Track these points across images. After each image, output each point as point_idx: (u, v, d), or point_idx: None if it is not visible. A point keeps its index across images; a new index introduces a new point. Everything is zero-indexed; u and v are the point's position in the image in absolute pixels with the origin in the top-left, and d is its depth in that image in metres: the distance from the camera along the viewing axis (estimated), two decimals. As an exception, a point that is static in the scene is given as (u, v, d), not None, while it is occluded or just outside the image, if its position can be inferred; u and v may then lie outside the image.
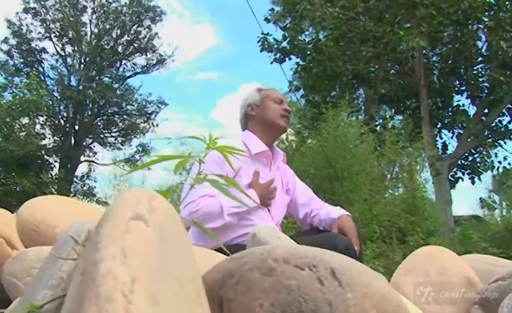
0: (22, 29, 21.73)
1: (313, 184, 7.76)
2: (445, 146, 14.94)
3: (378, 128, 14.87)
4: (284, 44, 14.10)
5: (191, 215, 2.27)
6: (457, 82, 13.87)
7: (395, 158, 9.12)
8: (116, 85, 23.32)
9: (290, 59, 14.70)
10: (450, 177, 14.26)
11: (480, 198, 14.59)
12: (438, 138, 14.83)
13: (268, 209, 2.55)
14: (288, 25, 13.99)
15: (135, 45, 23.48)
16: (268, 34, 14.19)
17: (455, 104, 14.10)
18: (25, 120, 18.08)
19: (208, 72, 41.33)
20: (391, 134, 13.56)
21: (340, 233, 2.39)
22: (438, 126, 14.43)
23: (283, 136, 9.37)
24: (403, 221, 6.98)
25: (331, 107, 9.38)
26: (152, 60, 24.05)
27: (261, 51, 14.16)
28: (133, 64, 23.98)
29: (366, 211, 7.30)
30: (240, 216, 2.37)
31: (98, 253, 0.56)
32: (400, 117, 15.59)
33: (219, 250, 1.42)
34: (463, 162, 14.34)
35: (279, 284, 0.74)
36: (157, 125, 23.25)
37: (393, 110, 15.40)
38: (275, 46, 14.27)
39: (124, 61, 23.75)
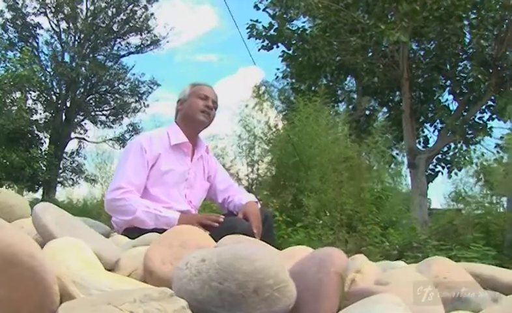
0: (17, 3, 21.65)
1: (280, 172, 8.02)
2: (426, 140, 15.15)
3: (361, 119, 15.12)
4: (272, 31, 14.19)
5: (113, 201, 2.62)
6: (441, 78, 13.98)
7: (366, 148, 9.33)
8: (109, 64, 23.34)
9: (277, 46, 14.80)
10: (430, 171, 14.48)
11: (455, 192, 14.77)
12: (420, 132, 15.04)
13: (185, 196, 2.84)
14: (277, 13, 14.07)
15: (131, 24, 23.44)
16: (257, 21, 14.27)
17: (438, 99, 14.22)
18: (17, 94, 18.16)
19: (207, 54, 41.33)
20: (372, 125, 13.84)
21: (243, 218, 2.65)
22: (421, 120, 14.59)
23: (272, 123, 9.65)
24: (366, 211, 7.17)
25: (312, 96, 9.60)
26: (147, 40, 24.05)
27: (249, 38, 14.24)
28: (128, 43, 23.98)
29: (331, 199, 7.50)
30: (156, 218, 2.61)
31: None
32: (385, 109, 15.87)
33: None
34: (443, 156, 14.51)
35: None
36: (147, 105, 23.35)
37: (377, 102, 15.58)
38: (263, 34, 14.36)
39: (118, 40, 23.73)
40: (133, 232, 2.48)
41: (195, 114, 2.88)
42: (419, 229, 7.82)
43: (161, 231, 2.33)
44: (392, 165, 19.31)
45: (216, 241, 2.24)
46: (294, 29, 14.08)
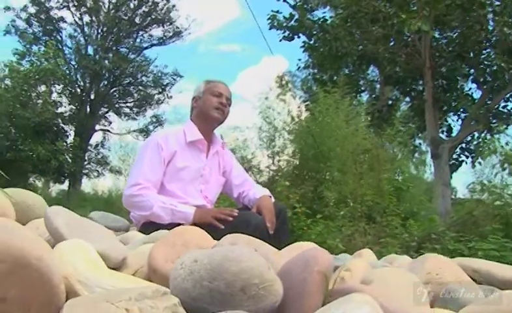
0: (41, -2, 21.92)
1: (301, 163, 8.06)
2: (450, 129, 15.02)
3: (383, 108, 15.05)
4: (293, 22, 14.19)
5: (130, 197, 2.73)
6: (465, 66, 13.84)
7: (387, 138, 9.33)
8: (132, 56, 23.55)
9: (298, 37, 14.80)
10: (454, 160, 14.38)
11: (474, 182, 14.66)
12: (443, 121, 14.91)
13: (201, 191, 2.95)
14: (297, 4, 14.06)
15: (153, 16, 23.60)
16: (278, 11, 14.27)
17: (461, 87, 14.09)
18: (42, 88, 18.45)
19: (230, 44, 41.41)
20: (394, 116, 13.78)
21: (257, 212, 2.73)
22: (444, 109, 14.45)
23: (294, 113, 9.70)
24: (386, 202, 7.19)
25: (332, 87, 9.62)
26: (169, 32, 24.19)
27: (270, 29, 14.27)
28: (150, 35, 24.16)
29: (352, 191, 7.54)
30: (172, 212, 2.71)
31: None
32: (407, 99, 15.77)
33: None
34: (467, 145, 14.39)
35: None
36: (171, 97, 23.55)
37: (399, 92, 15.49)
38: (284, 24, 14.36)
39: (141, 32, 23.91)
40: (149, 227, 2.59)
41: (209, 111, 2.97)
42: (440, 220, 7.83)
43: (177, 225, 2.45)
44: (416, 155, 19.26)
45: (231, 233, 2.35)
46: (314, 19, 14.05)
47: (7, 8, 21.69)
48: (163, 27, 24.01)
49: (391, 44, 13.71)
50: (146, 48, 24.12)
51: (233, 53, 38.52)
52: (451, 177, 14.75)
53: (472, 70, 13.59)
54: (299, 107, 14.09)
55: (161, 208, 2.67)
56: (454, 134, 14.41)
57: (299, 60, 16.58)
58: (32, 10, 21.93)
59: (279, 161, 8.18)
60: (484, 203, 6.83)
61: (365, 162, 7.20)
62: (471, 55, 13.24)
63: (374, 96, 16.43)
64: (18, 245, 0.77)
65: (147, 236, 1.77)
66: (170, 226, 2.43)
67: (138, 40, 24.00)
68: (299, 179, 7.80)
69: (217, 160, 3.12)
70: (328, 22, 13.55)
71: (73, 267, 0.93)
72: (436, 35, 13.44)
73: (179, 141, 2.89)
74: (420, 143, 17.33)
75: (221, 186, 3.17)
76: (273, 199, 3.01)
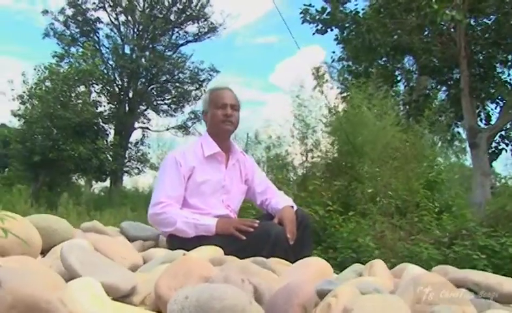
0: (78, 0, 22.39)
1: (334, 158, 8.10)
2: (488, 117, 14.78)
3: (420, 99, 14.92)
4: (325, 15, 14.15)
5: (155, 215, 2.88)
6: (502, 53, 13.59)
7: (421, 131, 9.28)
8: (169, 53, 23.82)
9: (331, 30, 14.76)
10: (494, 148, 14.17)
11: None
12: (481, 109, 14.69)
13: (223, 201, 3.08)
14: (330, -4, 14.03)
15: (187, 13, 23.80)
16: (310, 5, 14.25)
17: (498, 75, 13.84)
18: (82, 88, 18.85)
19: (267, 36, 41.44)
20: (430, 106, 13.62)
21: (279, 223, 2.83)
22: (482, 97, 14.23)
23: (331, 105, 9.76)
24: (418, 197, 7.18)
25: (365, 80, 9.62)
26: (204, 28, 24.36)
27: (302, 23, 14.27)
28: (186, 32, 24.37)
29: (384, 186, 7.55)
30: (196, 227, 2.85)
31: None
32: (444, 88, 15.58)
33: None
34: (507, 133, 14.16)
35: None
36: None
37: (435, 81, 15.33)
38: (317, 18, 14.34)
39: (176, 29, 24.14)
40: (175, 239, 2.75)
41: (218, 126, 3.08)
42: (478, 211, 7.77)
43: (202, 237, 2.59)
44: (456, 143, 18.98)
45: (252, 244, 2.47)
46: (347, 11, 13.98)
47: (45, 12, 22.30)
48: (198, 23, 24.17)
49: (426, 33, 13.54)
50: (182, 45, 24.41)
51: (270, 44, 38.57)
52: (491, 166, 14.56)
53: (510, 57, 13.33)
54: (336, 98, 14.13)
55: (184, 224, 2.81)
56: (493, 122, 14.19)
57: (333, 52, 16.58)
58: (69, 12, 22.49)
59: (312, 158, 8.22)
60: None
61: (396, 158, 7.17)
62: (508, 41, 12.98)
63: (410, 86, 16.30)
64: (29, 292, 0.90)
65: (165, 255, 1.91)
66: (196, 239, 2.59)
67: (174, 37, 24.26)
68: (333, 175, 7.84)
69: (239, 168, 3.22)
70: (360, 14, 13.47)
71: (80, 305, 1.06)
72: (472, 23, 13.21)
73: (197, 155, 3.01)
74: (459, 132, 17.05)
75: (244, 194, 3.28)
76: (295, 208, 3.09)
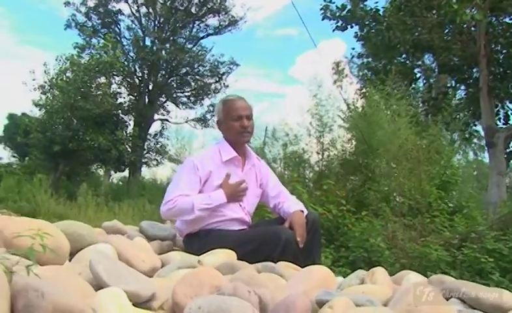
0: (100, -8, 22.62)
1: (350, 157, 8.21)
2: (507, 117, 14.74)
3: (439, 96, 14.91)
4: (345, 12, 14.20)
5: (168, 211, 3.04)
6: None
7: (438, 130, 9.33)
8: (189, 46, 23.98)
9: (351, 27, 14.81)
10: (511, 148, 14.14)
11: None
12: (500, 109, 14.66)
13: (240, 204, 3.27)
14: (350, -6, 14.07)
15: (208, 6, 23.91)
16: (330, 1, 14.30)
17: (516, 74, 13.77)
18: (102, 80, 19.10)
19: (287, 28, 41.44)
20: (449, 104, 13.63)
21: (289, 227, 2.99)
22: (500, 96, 14.19)
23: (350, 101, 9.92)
24: (431, 198, 7.26)
25: (384, 79, 9.71)
26: (225, 21, 24.46)
27: (322, 19, 14.33)
28: (206, 25, 24.49)
29: (399, 186, 7.65)
30: (212, 210, 3.07)
31: None
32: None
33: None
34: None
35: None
36: (227, 86, 23.90)
37: (454, 79, 15.32)
38: (337, 14, 14.39)
39: (197, 22, 24.26)
40: (193, 239, 2.94)
41: (235, 137, 3.27)
42: (488, 212, 7.82)
43: (217, 242, 2.77)
44: (475, 140, 18.92)
45: (263, 246, 2.64)
46: (367, 9, 14.02)
47: (67, 3, 22.55)
48: (219, 16, 24.29)
49: (446, 31, 13.52)
50: (202, 38, 24.55)
51: (290, 37, 38.63)
52: (508, 166, 14.52)
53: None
54: (355, 93, 14.19)
55: (201, 211, 3.04)
56: (511, 122, 14.18)
57: (353, 49, 16.64)
58: (91, 3, 22.79)
59: (328, 156, 8.34)
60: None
61: (408, 160, 7.27)
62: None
63: (429, 84, 16.30)
64: (66, 302, 1.08)
65: (181, 259, 2.10)
66: (213, 242, 2.76)
67: (194, 30, 24.40)
68: (348, 173, 7.96)
69: (254, 172, 3.40)
70: (381, 12, 13.50)
71: (106, 311, 1.23)
72: (493, 21, 13.16)
73: (215, 161, 3.19)
74: (477, 131, 16.99)
75: (258, 197, 3.46)
76: (306, 212, 3.24)
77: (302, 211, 3.23)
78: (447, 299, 1.88)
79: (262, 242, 2.85)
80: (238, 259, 2.55)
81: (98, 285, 1.49)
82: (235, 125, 3.23)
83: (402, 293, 1.65)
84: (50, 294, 1.08)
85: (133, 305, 1.38)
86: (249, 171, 3.35)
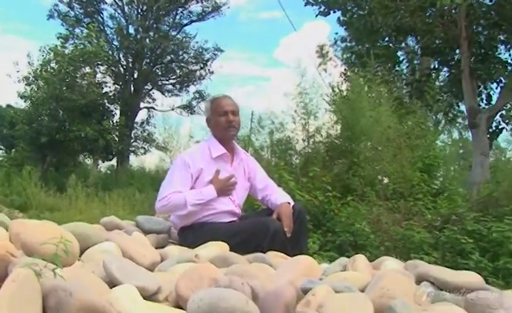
0: (81, -20, 22.46)
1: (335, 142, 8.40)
2: (489, 97, 15.01)
3: (422, 79, 15.14)
4: (327, -3, 14.35)
5: (163, 208, 3.28)
6: (502, 35, 13.75)
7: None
8: (173, 33, 23.94)
9: (334, 12, 14.98)
10: (494, 128, 14.43)
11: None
12: (482, 89, 14.91)
13: (230, 198, 3.49)
14: (331, -22, 14.21)
15: (191, -8, 23.84)
16: (312, -14, 14.43)
17: (498, 56, 14.02)
18: (87, 69, 19.03)
19: (271, 11, 41.38)
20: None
21: (277, 218, 3.22)
22: (482, 78, 14.42)
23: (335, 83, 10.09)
24: (417, 180, 7.50)
25: (367, 60, 9.90)
26: (208, 7, 24.39)
27: (305, 6, 14.48)
28: (189, 12, 24.40)
29: (384, 169, 7.88)
30: (203, 204, 3.29)
31: None
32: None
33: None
34: (507, 113, 14.35)
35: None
36: (212, 72, 23.95)
37: (437, 62, 15.55)
38: (319, 0, 14.54)
39: (180, 9, 24.16)
40: (187, 232, 3.14)
41: (222, 132, 3.50)
42: (470, 194, 8.08)
43: (209, 234, 2.97)
44: (460, 120, 19.20)
45: (253, 237, 2.84)
46: (348, -6, 14.19)
47: (49, -8, 22.32)
48: (202, 2, 24.22)
49: (428, 14, 13.69)
50: (186, 25, 24.42)
51: (274, 19, 38.59)
52: (491, 146, 14.83)
53: (511, 38, 13.49)
54: (340, 76, 14.37)
55: (194, 206, 3.27)
56: (493, 102, 14.44)
57: (336, 33, 16.81)
58: (73, -8, 22.45)
59: (314, 143, 8.51)
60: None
61: (391, 146, 7.49)
62: (509, 22, 13.14)
63: (412, 66, 16.51)
64: (89, 298, 1.29)
65: (179, 254, 2.31)
66: (206, 235, 2.96)
67: (177, 17, 24.27)
68: (333, 159, 8.15)
69: (243, 167, 3.64)
70: (361, -3, 13.66)
71: (124, 306, 1.44)
72: (473, 3, 13.35)
73: (205, 157, 3.41)
74: (461, 111, 17.25)
75: (247, 190, 3.70)
76: (292, 203, 3.45)
77: (289, 203, 3.43)
78: (420, 282, 2.11)
79: (252, 233, 3.06)
80: (230, 250, 2.76)
81: (111, 282, 1.69)
82: (221, 120, 3.47)
83: (377, 279, 1.86)
84: (77, 292, 1.28)
85: (143, 298, 1.59)
86: (238, 166, 3.56)
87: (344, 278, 2.05)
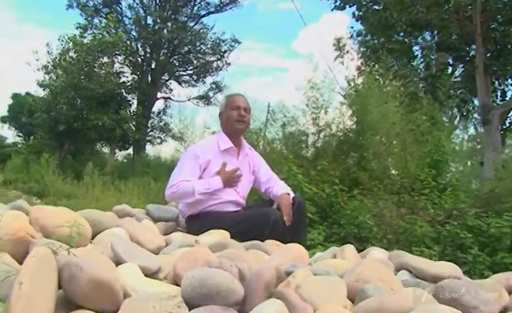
0: (100, -30, 22.71)
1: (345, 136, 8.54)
2: (504, 94, 15.05)
3: (437, 74, 15.19)
4: (343, -8, 14.47)
5: (172, 194, 3.51)
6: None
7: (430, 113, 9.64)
8: (191, 24, 24.09)
9: (350, 6, 15.10)
10: (509, 124, 14.47)
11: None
12: (497, 86, 14.94)
13: (235, 189, 3.73)
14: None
15: (209, -17, 23.97)
16: (328, -20, 14.55)
17: (512, 53, 14.03)
18: (105, 59, 19.29)
19: (289, 2, 41.40)
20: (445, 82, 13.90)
21: (277, 208, 3.43)
22: (497, 74, 14.45)
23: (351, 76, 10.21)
24: (424, 175, 7.63)
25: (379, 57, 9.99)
26: (226, -1, 24.51)
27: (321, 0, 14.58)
28: (207, 3, 24.51)
29: (395, 164, 8.04)
30: (210, 194, 3.52)
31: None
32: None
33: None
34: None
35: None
36: (229, 64, 24.11)
37: (451, 57, 15.58)
38: (336, -7, 14.66)
39: (198, 0, 24.29)
40: (194, 220, 3.37)
41: (232, 124, 3.75)
42: (479, 190, 8.19)
43: (214, 221, 3.18)
44: (476, 115, 19.20)
45: (254, 226, 3.05)
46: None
47: (68, -17, 22.58)
48: (220, -6, 24.33)
49: (444, 9, 13.72)
50: (203, 16, 24.56)
51: (293, 11, 38.63)
52: (504, 142, 14.86)
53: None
54: (356, 69, 14.46)
55: (201, 195, 3.51)
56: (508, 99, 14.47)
57: (352, 28, 16.89)
58: (92, -17, 22.72)
59: (324, 136, 8.65)
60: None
61: (396, 144, 7.63)
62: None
63: (427, 61, 16.54)
64: (97, 273, 1.51)
65: (182, 240, 2.57)
66: (211, 223, 3.18)
67: (195, 8, 24.42)
68: (342, 153, 8.30)
69: (248, 161, 3.88)
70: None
71: (126, 281, 1.66)
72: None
73: (213, 150, 3.64)
74: (476, 106, 17.27)
75: (251, 183, 3.95)
76: (292, 195, 3.68)
77: (289, 194, 3.65)
78: (399, 271, 2.31)
79: (254, 222, 3.28)
80: (233, 237, 2.98)
81: (117, 262, 1.94)
82: (233, 113, 3.74)
83: (355, 266, 2.07)
84: (87, 268, 1.49)
85: (145, 276, 1.82)
86: (243, 160, 3.80)
87: (330, 265, 2.25)
